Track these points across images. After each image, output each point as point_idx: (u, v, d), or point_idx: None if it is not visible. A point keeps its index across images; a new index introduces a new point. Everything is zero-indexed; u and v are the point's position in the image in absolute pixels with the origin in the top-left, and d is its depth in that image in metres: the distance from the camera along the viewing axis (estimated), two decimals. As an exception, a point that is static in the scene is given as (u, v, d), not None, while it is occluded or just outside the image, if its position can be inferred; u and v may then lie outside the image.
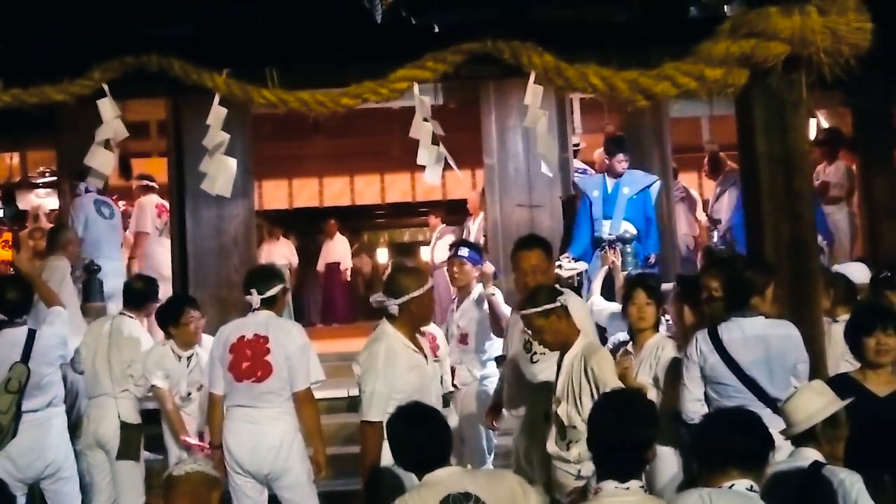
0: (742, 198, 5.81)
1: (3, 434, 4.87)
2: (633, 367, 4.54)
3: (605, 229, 6.97)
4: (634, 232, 6.92)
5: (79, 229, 7.40)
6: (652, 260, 6.97)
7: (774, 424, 3.23)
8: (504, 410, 4.93)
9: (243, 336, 4.67)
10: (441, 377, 4.58)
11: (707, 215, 8.96)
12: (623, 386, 3.99)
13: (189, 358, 5.47)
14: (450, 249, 6.04)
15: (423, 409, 3.35)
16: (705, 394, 4.20)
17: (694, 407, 4.16)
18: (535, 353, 4.49)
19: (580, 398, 4.04)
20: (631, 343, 4.71)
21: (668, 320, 5.19)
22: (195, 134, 7.31)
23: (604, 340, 5.48)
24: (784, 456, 3.38)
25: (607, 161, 7.34)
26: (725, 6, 4.93)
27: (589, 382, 4.02)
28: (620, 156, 7.13)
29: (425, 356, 4.16)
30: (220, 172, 5.22)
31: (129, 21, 5.27)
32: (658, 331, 4.66)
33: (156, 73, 5.01)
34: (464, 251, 5.80)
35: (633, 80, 4.65)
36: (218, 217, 7.63)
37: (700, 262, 7.28)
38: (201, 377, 5.32)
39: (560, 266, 6.55)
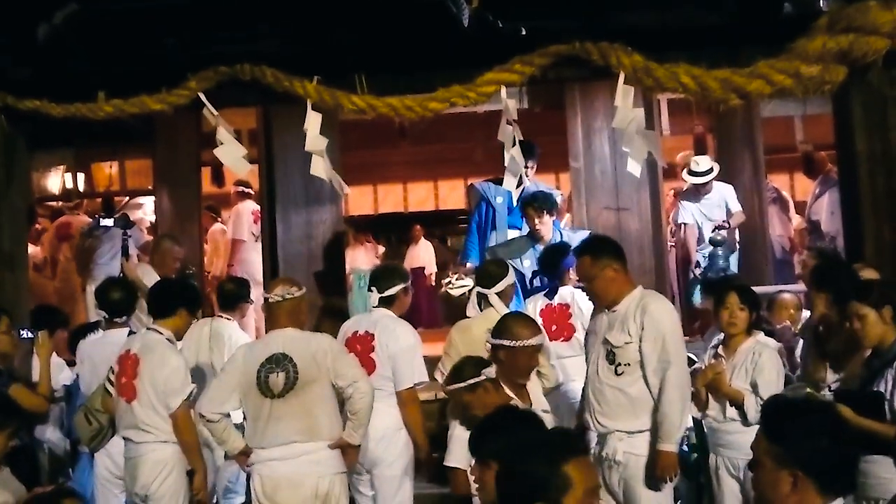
0: (840, 199, 5.64)
1: (104, 433, 4.98)
2: (725, 373, 4.44)
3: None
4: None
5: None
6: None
7: None
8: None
9: (356, 332, 4.79)
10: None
11: (804, 217, 8.72)
12: None
13: None
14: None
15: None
16: None
17: None
18: (620, 363, 4.13)
19: None
20: (722, 347, 4.61)
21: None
22: (285, 142, 7.49)
23: None
24: None
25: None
26: (821, 1, 4.78)
27: None
28: (530, 163, 6.65)
29: (530, 404, 3.97)
30: (332, 174, 5.31)
31: (220, 38, 5.43)
32: (751, 334, 4.54)
33: (249, 82, 5.15)
34: None
35: (725, 78, 4.55)
36: (307, 222, 7.76)
37: (803, 262, 7.06)
38: None
39: (450, 284, 6.65)
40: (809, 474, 2.09)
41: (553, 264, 5.81)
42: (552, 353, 5.07)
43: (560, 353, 5.43)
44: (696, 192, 7.90)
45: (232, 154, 5.43)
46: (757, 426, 2.35)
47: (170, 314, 4.62)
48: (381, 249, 12.76)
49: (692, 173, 7.81)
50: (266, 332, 4.39)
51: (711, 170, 7.77)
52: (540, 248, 6.18)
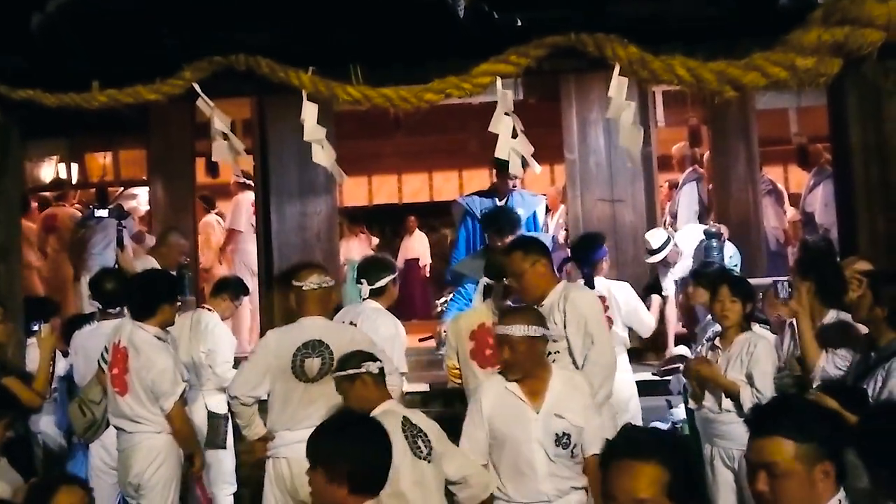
0: (834, 190, 5.65)
1: (97, 425, 5.00)
2: (715, 365, 4.48)
3: None
4: None
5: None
6: None
7: None
8: None
9: (343, 322, 4.86)
10: (562, 434, 3.73)
11: (799, 209, 8.73)
12: None
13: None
14: None
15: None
16: None
17: None
18: (549, 352, 4.12)
19: None
20: (719, 339, 4.64)
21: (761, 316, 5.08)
22: (280, 132, 7.48)
23: None
24: None
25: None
26: (817, -7, 4.78)
27: None
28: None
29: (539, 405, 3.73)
30: (332, 162, 5.31)
31: (217, 27, 5.40)
32: (747, 326, 4.57)
33: (243, 72, 5.12)
34: None
35: (720, 70, 4.53)
36: (301, 213, 7.77)
37: (793, 255, 7.07)
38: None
39: (446, 303, 6.67)
40: (835, 463, 2.16)
41: (587, 253, 5.77)
42: None
43: None
44: (665, 264, 7.14)
45: (230, 149, 5.39)
46: None
47: (151, 314, 4.60)
48: (376, 241, 12.75)
49: (650, 252, 7.05)
50: (297, 319, 4.42)
51: (668, 240, 7.01)
52: None
